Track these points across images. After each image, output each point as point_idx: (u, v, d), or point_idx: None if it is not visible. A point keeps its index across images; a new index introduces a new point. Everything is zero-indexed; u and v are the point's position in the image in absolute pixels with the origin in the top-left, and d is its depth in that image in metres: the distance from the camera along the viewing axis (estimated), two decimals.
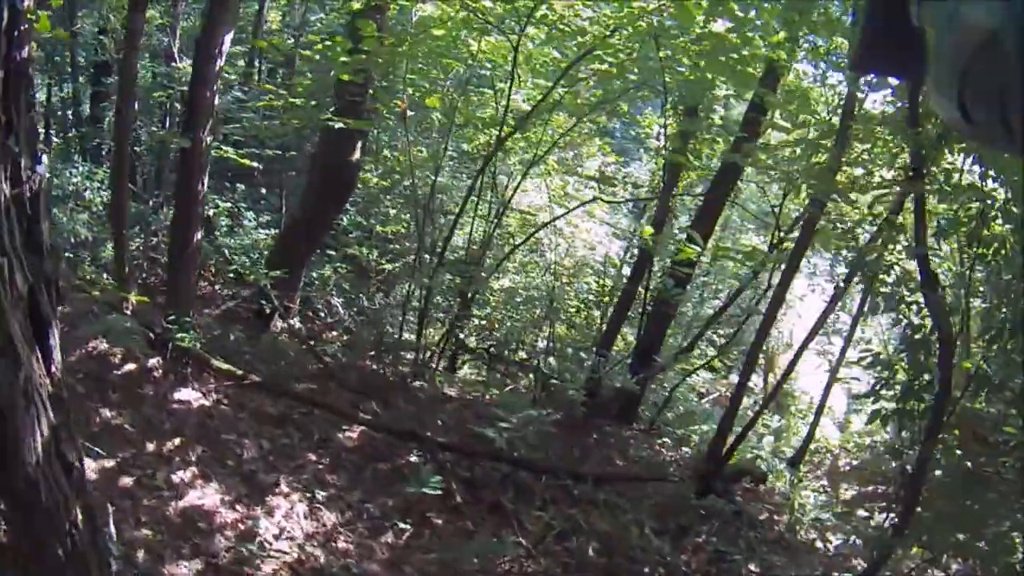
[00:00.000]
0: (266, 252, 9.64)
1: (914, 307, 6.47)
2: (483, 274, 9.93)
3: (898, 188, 6.43)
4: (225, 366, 6.98)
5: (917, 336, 6.38)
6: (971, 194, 6.10)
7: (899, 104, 6.45)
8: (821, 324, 9.80)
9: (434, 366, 9.40)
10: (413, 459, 7.03)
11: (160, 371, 6.45)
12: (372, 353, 9.32)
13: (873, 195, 6.79)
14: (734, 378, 13.40)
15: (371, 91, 8.43)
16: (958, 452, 6.24)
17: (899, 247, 6.74)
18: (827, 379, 11.15)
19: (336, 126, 7.67)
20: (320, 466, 6.58)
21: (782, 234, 9.38)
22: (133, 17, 6.48)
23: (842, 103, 8.02)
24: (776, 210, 9.45)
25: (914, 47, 0.95)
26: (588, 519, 7.02)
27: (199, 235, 7.17)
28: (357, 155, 8.91)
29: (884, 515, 7.40)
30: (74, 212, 8.95)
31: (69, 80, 12.19)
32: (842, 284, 9.23)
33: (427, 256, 9.45)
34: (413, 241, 10.65)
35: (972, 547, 5.92)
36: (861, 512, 8.42)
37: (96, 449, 5.23)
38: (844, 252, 7.84)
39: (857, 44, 1.13)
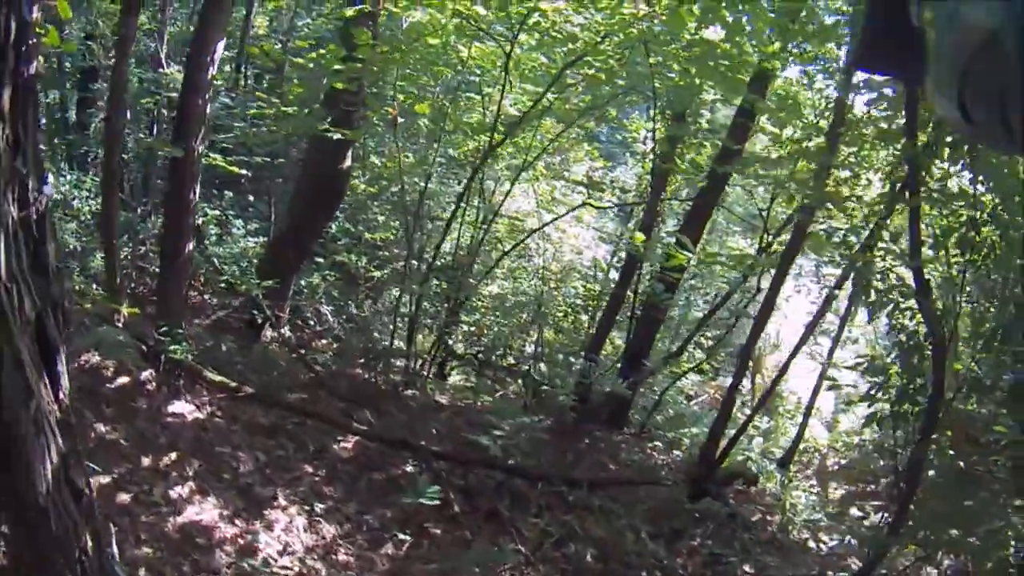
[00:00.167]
0: (255, 260, 9.58)
1: (907, 312, 6.52)
2: (472, 280, 9.92)
3: (893, 201, 6.48)
4: (218, 378, 6.93)
5: (910, 342, 6.44)
6: (961, 200, 6.16)
7: (889, 112, 6.48)
8: (813, 329, 9.84)
9: (425, 374, 9.38)
10: (408, 469, 7.03)
11: (153, 384, 6.39)
12: (362, 361, 9.29)
13: (867, 208, 6.84)
14: (722, 380, 13.49)
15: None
16: (951, 452, 6.30)
17: (891, 254, 6.79)
18: (816, 380, 11.19)
19: (332, 136, 7.63)
20: (316, 478, 6.56)
21: (770, 237, 9.42)
22: (126, 22, 6.36)
23: (830, 106, 8.07)
24: (764, 213, 9.49)
25: (914, 47, 0.96)
26: (584, 525, 7.04)
27: (190, 245, 7.12)
28: (347, 163, 8.87)
29: (878, 514, 7.45)
30: (62, 222, 8.84)
31: (56, 86, 12.03)
32: (832, 288, 9.27)
33: (416, 263, 9.43)
34: (402, 248, 10.62)
35: (965, 544, 5.98)
36: (854, 511, 8.48)
37: (92, 465, 5.17)
38: (835, 257, 7.87)
39: (857, 44, 1.14)
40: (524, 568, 6.19)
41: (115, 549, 3.85)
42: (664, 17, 6.96)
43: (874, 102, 6.41)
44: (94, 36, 10.97)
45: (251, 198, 11.49)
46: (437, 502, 6.21)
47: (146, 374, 6.38)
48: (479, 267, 10.50)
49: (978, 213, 6.16)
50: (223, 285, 9.29)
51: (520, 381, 10.54)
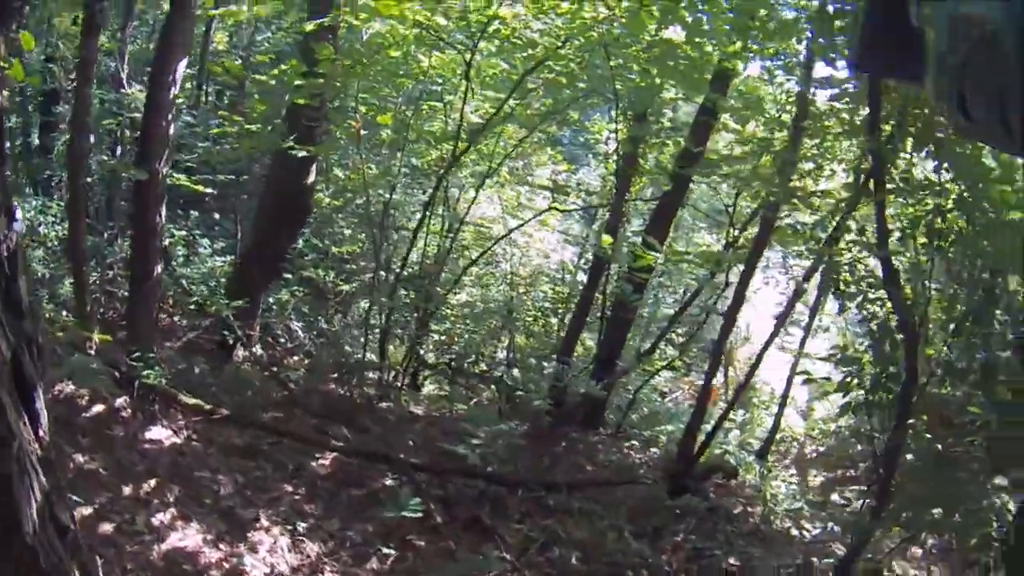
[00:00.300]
0: (223, 280, 9.50)
1: (877, 302, 6.60)
2: (440, 289, 9.90)
3: (858, 194, 6.55)
4: (192, 401, 6.87)
5: (881, 330, 6.52)
6: (927, 189, 6.24)
7: (852, 105, 6.56)
8: (783, 321, 9.93)
9: (399, 385, 9.36)
10: (388, 482, 7.00)
11: (128, 410, 6.32)
12: (335, 376, 9.25)
13: (833, 200, 6.91)
14: (695, 376, 13.56)
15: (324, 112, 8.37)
16: (927, 436, 6.38)
17: (858, 245, 6.87)
18: (789, 370, 11.28)
19: (296, 153, 7.59)
20: (296, 496, 6.52)
21: (737, 233, 9.48)
22: (86, 44, 6.29)
23: (792, 100, 8.14)
24: (729, 209, 9.56)
25: (913, 46, 0.96)
26: (566, 528, 7.04)
27: (158, 268, 7.05)
28: (311, 178, 8.82)
29: (859, 500, 7.52)
30: (29, 248, 8.70)
31: (18, 111, 11.83)
32: (801, 279, 9.36)
33: (384, 274, 9.40)
34: (369, 260, 10.58)
35: (948, 524, 6.06)
36: (835, 498, 8.56)
37: (73, 497, 5.11)
38: (802, 247, 7.95)
39: (857, 43, 1.13)
40: (510, 574, 6.19)
41: None
42: (624, 20, 6.99)
43: (837, 96, 6.48)
44: (55, 58, 10.83)
45: (217, 217, 11.38)
46: (419, 514, 6.21)
47: (120, 401, 6.31)
48: (447, 276, 10.48)
49: (943, 201, 6.25)
50: (192, 306, 9.20)
51: (494, 387, 10.54)
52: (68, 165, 7.37)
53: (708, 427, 8.90)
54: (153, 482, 5.78)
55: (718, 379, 13.04)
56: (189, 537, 5.44)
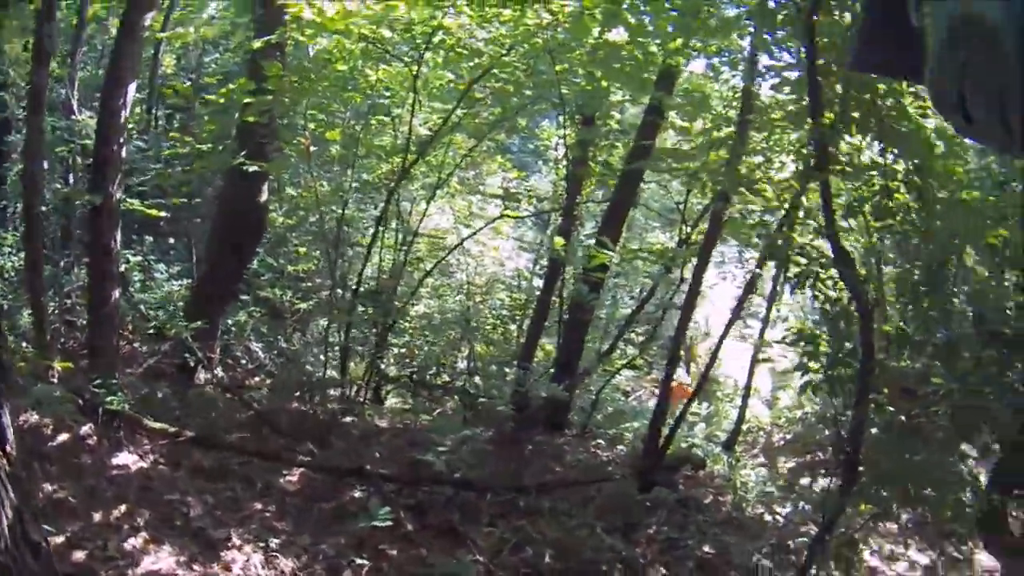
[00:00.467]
0: (181, 304, 9.45)
1: (829, 282, 6.73)
2: (397, 303, 9.93)
3: (805, 179, 6.68)
4: (157, 425, 6.83)
5: (834, 309, 6.65)
6: (873, 171, 6.39)
7: (794, 95, 6.70)
8: (738, 314, 10.06)
9: (362, 400, 9.35)
10: (356, 494, 6.99)
11: (94, 438, 6.27)
12: (298, 394, 9.22)
13: (780, 188, 7.04)
14: (657, 373, 13.67)
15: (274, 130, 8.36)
16: (890, 409, 6.48)
17: (808, 229, 7.00)
18: (750, 361, 11.42)
19: (248, 169, 7.58)
20: (267, 514, 6.49)
21: (689, 229, 9.61)
22: (37, 71, 6.25)
23: (738, 95, 8.28)
24: (681, 206, 9.68)
25: (913, 46, 0.96)
26: (537, 528, 7.06)
27: (116, 292, 7.01)
28: (264, 196, 8.80)
29: (828, 480, 7.62)
30: None
31: None
32: (755, 271, 9.50)
33: (340, 291, 9.41)
34: (325, 277, 10.57)
35: (919, 497, 6.16)
36: (805, 482, 8.67)
37: (44, 526, 5.07)
38: (754, 239, 8.08)
39: (855, 41, 1.15)
40: None
41: None
42: (567, 24, 7.08)
43: (778, 86, 6.62)
44: (5, 86, 10.67)
45: (171, 240, 11.31)
46: (389, 523, 6.19)
47: (86, 428, 6.26)
48: (404, 289, 10.50)
49: (889, 181, 6.39)
50: (152, 331, 9.13)
51: (456, 397, 10.56)
52: (23, 195, 7.31)
53: (672, 421, 8.99)
54: (123, 507, 5.74)
55: (684, 376, 13.20)
56: (162, 560, 5.40)
